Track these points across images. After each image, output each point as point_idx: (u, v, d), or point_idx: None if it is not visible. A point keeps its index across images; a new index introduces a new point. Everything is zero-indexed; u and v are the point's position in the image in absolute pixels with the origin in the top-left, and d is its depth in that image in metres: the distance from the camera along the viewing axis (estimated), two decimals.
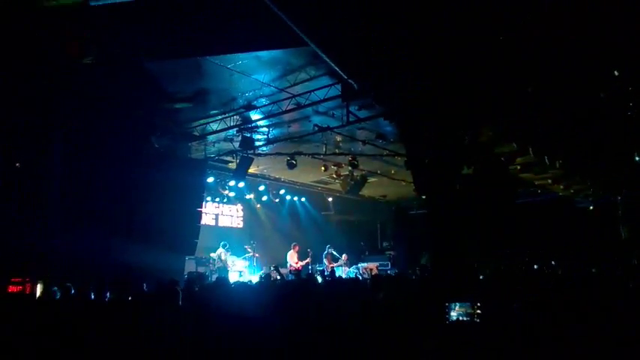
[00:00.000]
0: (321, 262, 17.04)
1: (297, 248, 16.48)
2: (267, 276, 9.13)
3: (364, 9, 7.36)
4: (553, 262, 13.82)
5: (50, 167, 10.50)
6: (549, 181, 13.84)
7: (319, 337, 4.32)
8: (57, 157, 10.57)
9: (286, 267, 15.93)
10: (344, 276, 15.43)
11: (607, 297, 6.05)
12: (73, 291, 6.73)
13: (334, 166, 15.04)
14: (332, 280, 8.71)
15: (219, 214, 18.08)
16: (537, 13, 7.34)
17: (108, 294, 6.43)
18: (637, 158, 10.80)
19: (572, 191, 15.32)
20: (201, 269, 14.24)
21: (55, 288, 6.61)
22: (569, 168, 12.43)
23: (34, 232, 9.96)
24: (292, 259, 16.27)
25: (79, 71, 8.81)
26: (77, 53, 8.35)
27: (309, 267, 16.52)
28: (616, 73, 8.92)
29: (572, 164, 12.29)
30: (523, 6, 7.20)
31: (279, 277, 11.30)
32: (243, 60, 9.03)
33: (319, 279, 9.92)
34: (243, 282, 9.63)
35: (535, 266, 11.82)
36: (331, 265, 16.59)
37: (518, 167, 11.94)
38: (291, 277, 14.56)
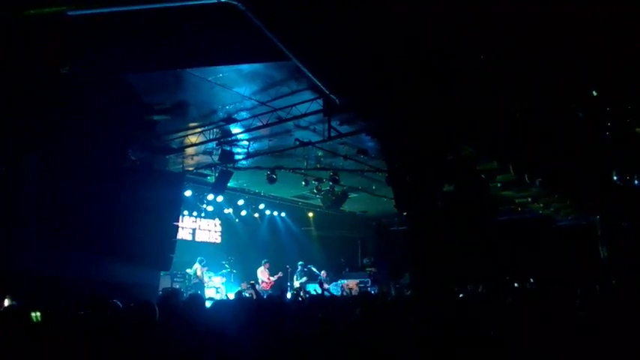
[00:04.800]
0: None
1: (267, 265, 16.41)
2: (239, 293, 8.96)
3: (347, 25, 7.35)
4: (532, 280, 13.87)
5: (24, 179, 10.23)
6: (529, 199, 13.93)
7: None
8: (31, 169, 10.30)
9: (259, 283, 15.78)
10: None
11: (586, 315, 6.06)
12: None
13: (315, 181, 14.96)
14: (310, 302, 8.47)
15: (197, 228, 17.80)
16: (518, 33, 7.41)
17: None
18: (615, 178, 10.92)
19: (551, 210, 15.45)
20: (176, 285, 13.96)
21: (14, 302, 6.34)
22: (549, 186, 12.54)
23: (5, 244, 9.66)
24: (264, 276, 16.14)
25: (56, 82, 8.63)
26: (54, 63, 8.18)
27: (289, 284, 16.37)
28: (594, 93, 9.05)
29: (551, 183, 12.41)
30: (503, 25, 7.25)
31: (253, 294, 11.07)
32: (224, 73, 8.94)
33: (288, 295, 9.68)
34: (219, 300, 9.41)
35: (515, 284, 11.83)
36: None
37: (499, 185, 12.00)
38: (265, 293, 14.39)
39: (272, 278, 16.13)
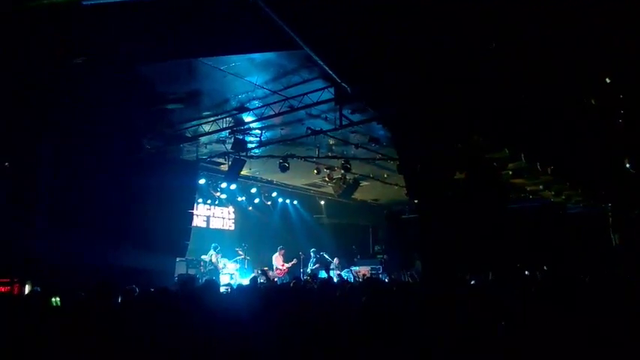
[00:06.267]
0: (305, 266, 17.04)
1: (282, 252, 16.55)
2: (254, 279, 9.11)
3: (359, 14, 7.36)
4: (545, 268, 13.82)
5: (40, 168, 10.43)
6: (541, 187, 13.89)
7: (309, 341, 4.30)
8: (47, 158, 10.49)
9: (273, 270, 15.98)
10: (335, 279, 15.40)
11: (597, 303, 6.05)
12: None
13: (327, 169, 15.02)
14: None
15: (211, 216, 18.02)
16: (529, 19, 7.37)
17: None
18: (627, 165, 10.85)
19: (563, 198, 15.38)
20: (191, 271, 14.19)
21: (38, 288, 6.53)
22: (560, 174, 12.49)
23: (23, 232, 9.88)
24: (278, 262, 16.30)
25: (69, 72, 8.74)
26: (68, 53, 8.29)
27: (301, 270, 16.53)
28: (607, 80, 8.97)
29: (563, 171, 12.35)
30: (515, 14, 7.22)
31: (264, 281, 11.25)
32: (236, 62, 8.98)
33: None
34: (232, 287, 9.57)
35: (526, 272, 11.82)
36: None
37: (510, 173, 11.98)
38: (279, 280, 14.57)
39: (286, 265, 16.30)
